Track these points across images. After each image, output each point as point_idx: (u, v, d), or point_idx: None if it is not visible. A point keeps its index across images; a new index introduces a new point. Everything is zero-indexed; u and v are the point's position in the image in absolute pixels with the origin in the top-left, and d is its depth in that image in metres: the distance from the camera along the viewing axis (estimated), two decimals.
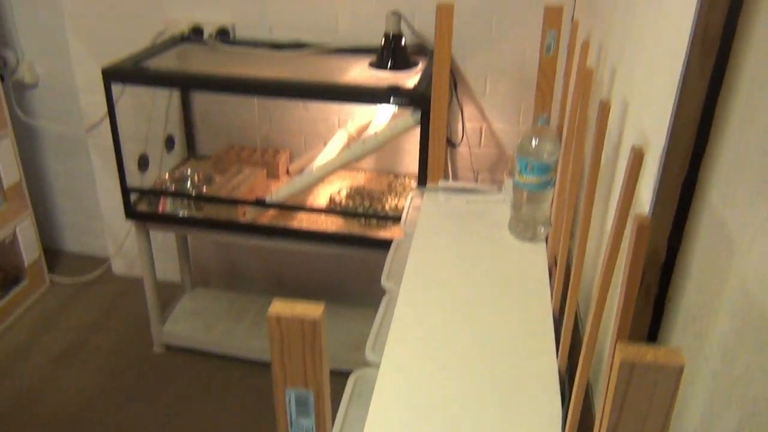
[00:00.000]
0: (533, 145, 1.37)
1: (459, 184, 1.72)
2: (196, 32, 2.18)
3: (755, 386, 0.58)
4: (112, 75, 1.94)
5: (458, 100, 2.11)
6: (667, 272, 0.86)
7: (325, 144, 2.21)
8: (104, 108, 1.97)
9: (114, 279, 2.73)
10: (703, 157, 0.79)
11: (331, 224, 2.01)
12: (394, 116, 2.08)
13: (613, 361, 0.47)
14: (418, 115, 1.75)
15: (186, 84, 2.11)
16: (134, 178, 2.22)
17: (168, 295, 2.44)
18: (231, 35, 2.19)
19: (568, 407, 0.94)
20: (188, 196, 2.12)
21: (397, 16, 1.91)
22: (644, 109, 0.95)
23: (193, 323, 2.36)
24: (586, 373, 0.88)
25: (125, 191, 2.06)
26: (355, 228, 1.99)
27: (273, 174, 2.24)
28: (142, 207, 2.12)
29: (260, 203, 2.04)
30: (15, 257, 2.49)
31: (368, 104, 2.12)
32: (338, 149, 2.13)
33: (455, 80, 2.09)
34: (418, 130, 1.77)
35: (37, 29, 2.44)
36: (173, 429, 2.02)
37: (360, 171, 2.30)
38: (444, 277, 1.31)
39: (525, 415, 0.96)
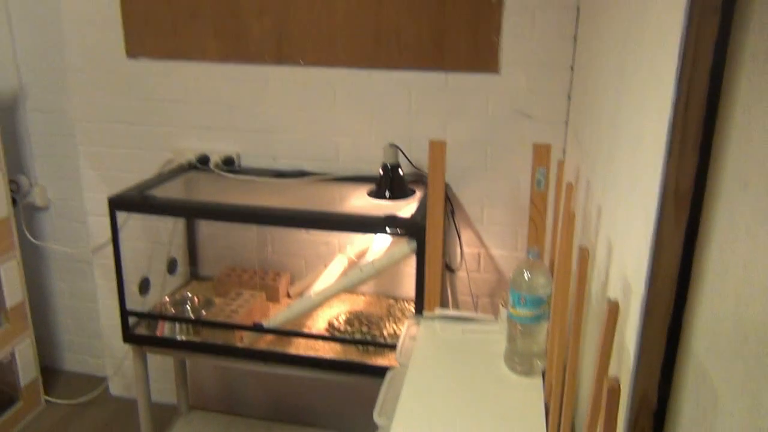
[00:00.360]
0: (526, 279, 1.39)
1: (455, 313, 1.72)
2: (203, 161, 2.26)
3: None
4: (118, 204, 2.00)
5: (456, 226, 2.16)
6: (659, 419, 0.85)
7: (325, 267, 2.23)
8: (121, 222, 2.02)
9: (111, 400, 2.68)
10: (685, 305, 0.80)
11: (329, 350, 2.00)
12: (393, 243, 2.12)
13: None
14: (414, 245, 1.78)
15: (189, 213, 2.17)
16: (136, 301, 2.24)
17: (164, 417, 2.39)
18: (236, 164, 2.27)
19: None
20: (186, 321, 2.12)
21: (395, 148, 1.99)
22: (626, 253, 0.97)
23: None
24: None
25: (124, 315, 2.07)
26: (353, 354, 1.98)
27: (273, 297, 2.25)
28: (141, 330, 2.12)
29: (258, 328, 2.03)
30: (11, 377, 2.47)
31: (366, 233, 2.16)
32: (337, 274, 2.15)
33: (452, 207, 2.14)
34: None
35: (51, 156, 2.55)
36: None
37: (359, 294, 2.31)
38: (438, 413, 1.29)
39: None
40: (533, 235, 1.60)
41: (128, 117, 2.34)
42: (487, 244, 2.18)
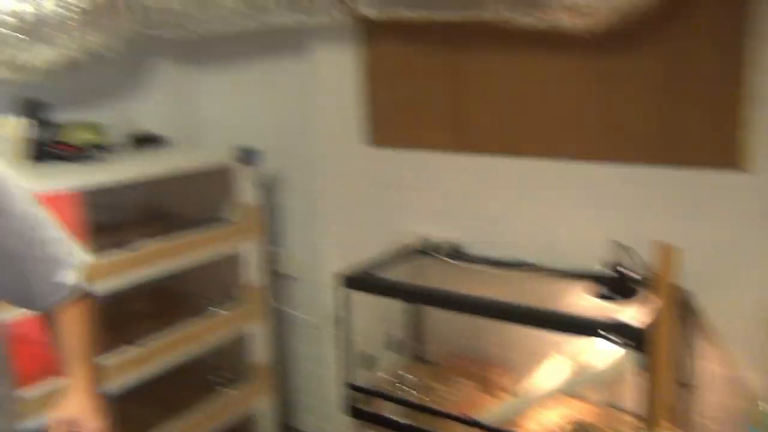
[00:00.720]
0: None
1: None
2: (429, 246, 2.33)
3: None
4: (348, 281, 2.14)
5: (691, 337, 1.91)
6: None
7: (543, 364, 2.13)
8: (352, 300, 2.16)
9: None
10: None
11: None
12: (617, 349, 1.95)
13: None
14: (639, 354, 1.61)
15: (409, 297, 2.24)
16: (359, 375, 2.35)
17: None
18: (459, 251, 2.30)
19: None
20: (402, 402, 2.16)
21: (619, 246, 1.85)
22: None
23: None
24: None
25: (346, 387, 2.18)
26: None
27: (488, 389, 2.19)
28: (361, 403, 2.21)
29: (473, 423, 1.99)
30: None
31: (588, 336, 2.02)
32: (556, 374, 2.03)
33: (687, 315, 1.90)
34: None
35: (303, 231, 2.84)
36: None
37: (576, 399, 2.15)
38: None
39: None
40: None
41: (366, 200, 2.52)
42: (728, 363, 1.89)
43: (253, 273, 2.60)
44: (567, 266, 2.09)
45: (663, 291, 1.46)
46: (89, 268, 1.31)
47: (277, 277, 2.90)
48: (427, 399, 2.12)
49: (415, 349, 2.51)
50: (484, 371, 2.23)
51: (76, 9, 2.10)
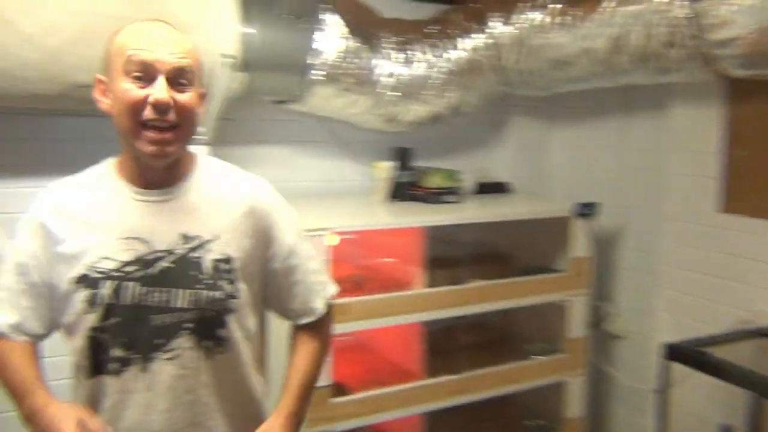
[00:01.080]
0: None
1: None
2: None
3: None
4: (673, 353, 2.01)
5: None
6: None
7: None
8: (675, 373, 2.04)
9: None
10: None
11: None
12: None
13: None
14: None
15: (748, 385, 1.98)
16: None
17: None
18: None
19: None
20: None
21: None
22: None
23: None
24: None
25: None
26: None
27: None
28: None
29: None
30: None
31: None
32: None
33: None
34: None
35: (634, 290, 2.74)
36: None
37: None
38: None
39: None
40: None
41: (709, 269, 2.34)
42: None
43: (576, 325, 2.60)
44: None
45: None
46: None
47: (600, 333, 2.84)
48: None
49: None
50: None
51: (444, 71, 2.43)
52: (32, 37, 1.66)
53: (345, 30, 2.25)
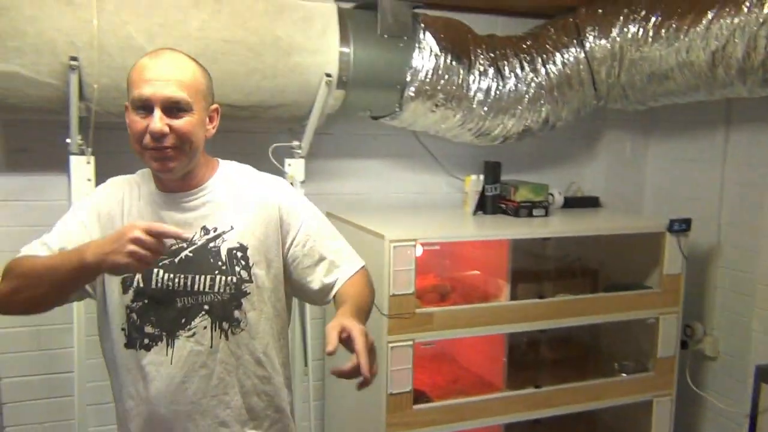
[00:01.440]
0: None
1: None
2: None
3: None
4: (764, 375, 1.96)
5: None
6: None
7: None
8: None
9: None
10: None
11: None
12: None
13: None
14: None
15: None
16: None
17: None
18: None
19: None
20: None
21: None
22: None
23: None
24: None
25: None
26: None
27: None
28: None
29: None
30: None
31: None
32: None
33: None
34: None
35: (729, 311, 2.66)
36: None
37: None
38: None
39: None
40: None
41: None
42: None
43: (665, 343, 2.55)
44: None
45: None
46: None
47: (691, 353, 2.77)
48: None
49: None
50: None
51: (534, 85, 2.46)
52: None
53: (440, 47, 2.32)
